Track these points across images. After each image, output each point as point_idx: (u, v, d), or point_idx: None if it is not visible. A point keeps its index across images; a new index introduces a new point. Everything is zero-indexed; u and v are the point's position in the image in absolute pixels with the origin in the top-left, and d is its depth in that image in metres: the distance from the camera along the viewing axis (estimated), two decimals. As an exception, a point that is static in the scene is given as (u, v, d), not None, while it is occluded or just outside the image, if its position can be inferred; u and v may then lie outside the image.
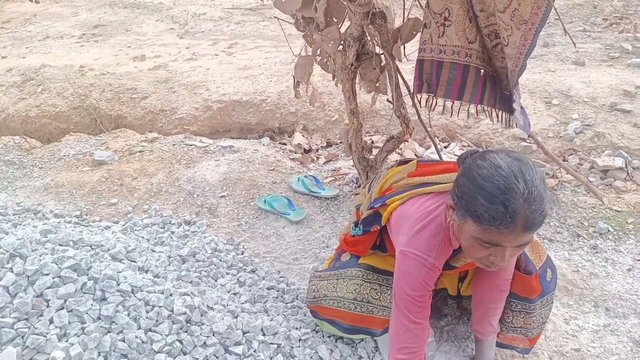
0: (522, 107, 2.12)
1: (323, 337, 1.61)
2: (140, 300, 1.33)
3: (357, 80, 2.28)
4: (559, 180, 2.61)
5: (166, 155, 2.94)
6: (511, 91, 1.88)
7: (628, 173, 2.62)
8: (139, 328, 1.29)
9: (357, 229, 1.50)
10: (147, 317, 1.31)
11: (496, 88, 1.94)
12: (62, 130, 3.82)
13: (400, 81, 2.25)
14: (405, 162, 1.63)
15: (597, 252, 2.08)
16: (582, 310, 1.80)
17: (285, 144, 3.43)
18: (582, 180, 2.51)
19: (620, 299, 1.83)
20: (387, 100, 2.32)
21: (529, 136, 2.67)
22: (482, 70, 1.87)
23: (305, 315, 1.73)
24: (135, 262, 1.54)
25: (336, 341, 1.60)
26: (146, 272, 1.52)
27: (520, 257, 1.43)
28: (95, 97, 3.99)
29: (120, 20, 6.30)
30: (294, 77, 2.37)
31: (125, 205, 2.47)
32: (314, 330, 1.64)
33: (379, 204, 1.41)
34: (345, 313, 1.47)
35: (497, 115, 1.99)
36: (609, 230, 2.19)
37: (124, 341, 1.24)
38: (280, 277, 2.00)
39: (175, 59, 4.75)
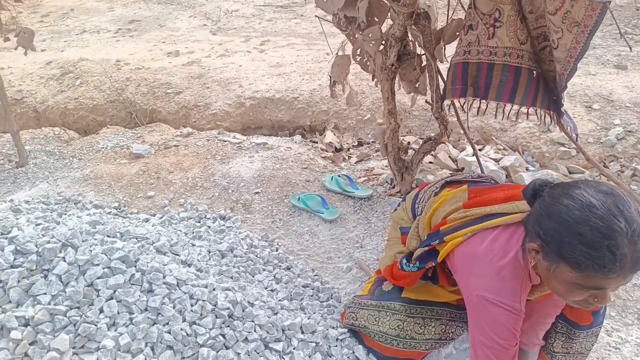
0: (566, 111, 2.08)
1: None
2: (185, 293, 1.36)
3: (396, 81, 2.27)
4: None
5: (201, 150, 2.98)
6: (559, 95, 1.85)
7: (672, 182, 2.53)
8: (184, 321, 1.31)
9: (412, 265, 1.41)
10: (191, 311, 1.33)
11: (549, 89, 1.90)
12: (99, 122, 3.92)
13: (441, 83, 2.23)
14: (449, 182, 1.58)
15: (640, 263, 2.02)
16: (624, 322, 1.76)
17: (317, 142, 3.44)
18: (625, 188, 2.44)
19: (666, 312, 1.77)
20: (426, 102, 2.30)
21: (569, 140, 2.61)
22: (535, 72, 1.83)
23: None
24: (178, 255, 1.57)
25: (373, 342, 1.60)
26: (189, 265, 1.55)
27: None
28: (131, 91, 4.07)
29: (154, 16, 6.40)
30: (330, 76, 2.37)
31: (162, 199, 2.52)
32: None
33: (437, 241, 1.30)
34: (387, 348, 1.45)
35: (551, 117, 1.95)
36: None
37: (169, 333, 1.27)
38: (315, 275, 2.01)
39: (209, 55, 4.80)
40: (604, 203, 0.92)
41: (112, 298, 1.29)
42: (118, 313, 1.27)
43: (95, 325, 1.22)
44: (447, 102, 2.22)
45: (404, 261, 1.44)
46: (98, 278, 1.31)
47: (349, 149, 3.41)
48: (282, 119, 3.77)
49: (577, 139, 2.33)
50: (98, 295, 1.28)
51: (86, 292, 1.27)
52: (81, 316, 1.23)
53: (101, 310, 1.27)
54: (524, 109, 2.15)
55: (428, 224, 1.44)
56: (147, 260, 1.40)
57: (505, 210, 1.18)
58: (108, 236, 1.50)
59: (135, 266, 1.37)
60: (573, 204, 0.95)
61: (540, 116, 2.11)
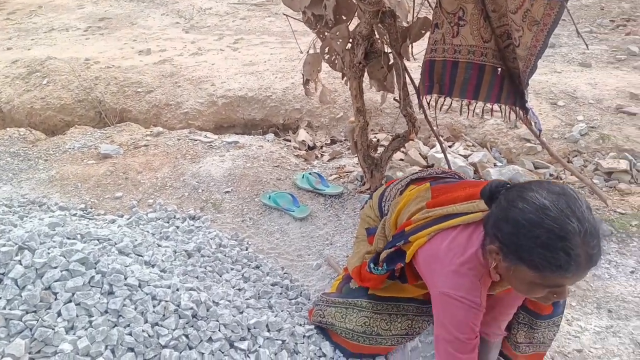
0: (531, 108, 2.13)
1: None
2: (147, 294, 1.34)
3: (365, 79, 2.28)
4: (563, 182, 2.61)
5: (171, 149, 2.95)
6: (522, 91, 1.89)
7: (632, 175, 2.62)
8: (146, 322, 1.30)
9: (380, 268, 1.42)
10: (154, 312, 1.32)
11: (514, 86, 1.94)
12: (66, 122, 3.83)
13: (408, 80, 2.25)
14: (415, 180, 1.60)
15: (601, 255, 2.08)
16: (584, 312, 1.81)
17: (290, 141, 3.43)
18: (587, 182, 2.52)
19: (623, 301, 1.83)
20: (394, 99, 2.32)
21: (534, 137, 2.67)
22: (499, 69, 1.86)
23: (309, 312, 1.74)
24: (142, 256, 1.55)
25: (340, 338, 1.61)
26: (153, 266, 1.53)
27: None
28: (100, 90, 4.00)
29: (125, 14, 6.29)
30: (303, 75, 2.37)
31: (130, 199, 2.48)
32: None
33: (402, 242, 1.32)
34: (353, 344, 1.47)
35: (516, 114, 1.98)
36: (612, 233, 2.19)
37: (131, 335, 1.25)
38: (284, 273, 2.01)
39: (181, 54, 4.74)
40: (557, 204, 0.95)
41: (70, 301, 1.27)
42: (77, 316, 1.25)
43: (53, 329, 1.19)
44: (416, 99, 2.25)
45: (372, 265, 1.45)
46: (56, 281, 1.28)
47: (322, 147, 3.42)
48: (255, 117, 3.75)
49: (540, 134, 2.39)
50: (56, 299, 1.26)
51: (43, 295, 1.24)
52: (38, 320, 1.20)
53: (59, 314, 1.24)
54: (489, 106, 2.20)
55: (394, 225, 1.45)
56: (107, 262, 1.38)
57: (466, 210, 1.21)
58: (68, 238, 1.47)
59: (95, 268, 1.35)
60: (528, 207, 0.97)
61: (505, 112, 2.15)
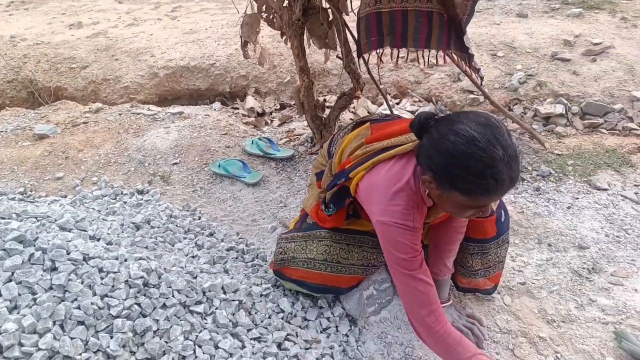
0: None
1: (284, 291, 1.64)
2: (93, 267, 1.30)
3: (306, 37, 2.25)
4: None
5: (112, 125, 2.82)
6: (464, 39, 1.91)
7: (568, 119, 2.75)
8: (95, 295, 1.26)
9: (329, 209, 1.46)
10: (102, 284, 1.28)
11: (457, 33, 1.96)
12: (-4, 105, 3.58)
13: (349, 36, 2.24)
14: (360, 123, 1.62)
15: (540, 194, 2.20)
16: (527, 248, 1.92)
17: (238, 109, 3.37)
18: (526, 128, 2.63)
19: (561, 234, 1.95)
20: (337, 57, 2.30)
21: (477, 88, 2.74)
22: (445, 15, 1.88)
23: (266, 272, 1.75)
24: (85, 231, 1.50)
25: (297, 294, 1.63)
26: (98, 240, 1.48)
27: None
28: (30, 69, 3.75)
29: (51, -14, 5.85)
30: (241, 37, 2.30)
31: (73, 179, 2.37)
32: (275, 285, 1.67)
33: (343, 179, 1.37)
34: (315, 274, 1.49)
35: (464, 61, 2.01)
36: (550, 173, 2.32)
37: (79, 308, 1.22)
38: (240, 238, 2.01)
39: (116, 25, 4.50)
40: (484, 135, 1.02)
41: (10, 280, 1.21)
42: (19, 295, 1.20)
43: (-6, 310, 1.14)
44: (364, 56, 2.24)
45: (323, 207, 1.50)
46: (-8, 262, 1.22)
47: (271, 113, 3.38)
48: (200, 87, 3.64)
49: (482, 82, 2.46)
50: (-6, 280, 1.20)
51: (-21, 277, 1.18)
52: (-24, 303, 1.14)
53: (-1, 295, 1.19)
54: (433, 60, 2.22)
55: (338, 164, 1.49)
56: (47, 238, 1.32)
57: (400, 142, 1.27)
58: (2, 218, 1.39)
59: (35, 245, 1.29)
60: (459, 140, 1.04)
61: (454, 59, 2.17)
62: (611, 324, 1.56)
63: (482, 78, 2.30)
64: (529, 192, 2.22)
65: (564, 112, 2.75)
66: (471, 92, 2.99)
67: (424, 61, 2.21)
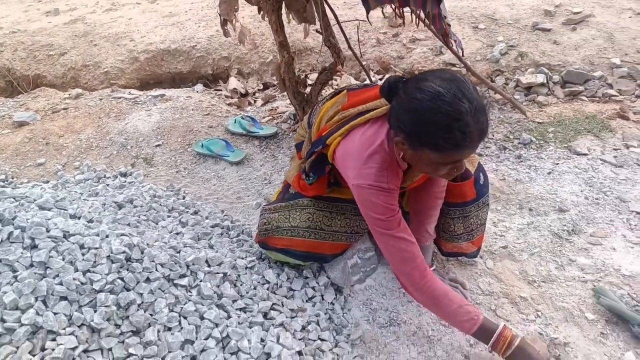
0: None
1: (269, 263, 1.65)
2: (74, 244, 1.30)
3: (285, 13, 2.22)
4: (487, 101, 2.72)
5: (93, 110, 2.79)
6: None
7: (549, 88, 2.77)
8: (77, 271, 1.26)
9: (310, 178, 1.47)
10: (83, 260, 1.29)
11: None
12: (-26, 95, 3.52)
13: (328, 9, 2.22)
14: (339, 92, 1.62)
15: (521, 161, 2.22)
16: (508, 213, 1.95)
17: (221, 90, 3.34)
18: (508, 98, 2.64)
19: (542, 199, 1.98)
20: (316, 31, 2.29)
21: (459, 60, 2.74)
22: None
23: (251, 247, 1.76)
24: (65, 210, 1.49)
25: (282, 265, 1.65)
26: (78, 218, 1.48)
27: None
28: (7, 58, 3.67)
29: (25, -27, 5.71)
30: (220, 15, 2.27)
31: (54, 164, 2.35)
32: (261, 258, 1.68)
33: (320, 147, 1.38)
34: (299, 241, 1.50)
35: (436, 20, 1.96)
36: (531, 141, 2.34)
37: (61, 284, 1.22)
38: (225, 216, 2.01)
39: (93, 11, 4.42)
40: (449, 90, 1.03)
41: (-10, 259, 1.21)
42: (0, 273, 1.20)
43: (-26, 288, 1.14)
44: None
45: (304, 176, 1.50)
46: (-29, 241, 1.21)
47: (254, 93, 3.36)
48: (181, 70, 3.60)
49: (463, 54, 2.45)
50: (-26, 259, 1.20)
51: (-42, 257, 1.18)
52: (-44, 282, 1.14)
53: (-21, 273, 1.18)
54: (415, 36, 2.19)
55: (316, 132, 1.49)
56: (26, 216, 1.32)
57: (375, 106, 1.28)
58: (-21, 199, 1.38)
59: (13, 224, 1.29)
60: (425, 97, 1.05)
61: (430, 19, 2.14)
62: (590, 282, 1.60)
63: (462, 50, 2.29)
64: (511, 160, 2.24)
65: (545, 81, 2.77)
66: (454, 65, 2.99)
67: (420, 21, 2.16)
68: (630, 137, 2.28)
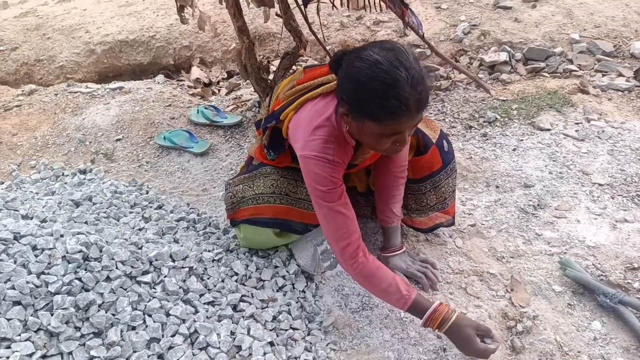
0: (413, 11, 2.15)
1: (238, 255, 1.62)
2: (25, 245, 1.23)
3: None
4: (452, 81, 2.72)
5: (48, 106, 2.67)
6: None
7: (512, 66, 2.79)
8: (30, 273, 1.20)
9: (270, 154, 1.47)
10: (37, 261, 1.22)
11: None
12: None
13: (286, -8, 2.16)
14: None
15: (487, 139, 2.23)
16: (476, 192, 1.96)
17: (184, 81, 3.25)
18: (472, 77, 2.64)
19: (508, 175, 2.00)
20: (276, 14, 2.23)
21: (422, 40, 2.72)
22: None
23: (218, 239, 1.72)
24: (17, 210, 1.41)
25: (251, 256, 1.61)
26: (31, 218, 1.40)
27: (418, 136, 1.51)
28: (-48, 55, 3.47)
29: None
30: (176, 0, 2.19)
31: (8, 164, 2.24)
32: (228, 250, 1.64)
33: (273, 122, 1.38)
34: (265, 208, 1.48)
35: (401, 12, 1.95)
36: (496, 118, 2.35)
37: (14, 289, 1.16)
38: (190, 209, 1.96)
39: (45, 3, 4.21)
40: (387, 58, 1.02)
41: None
42: (-57, 281, 1.13)
43: None
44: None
45: (265, 151, 1.49)
46: None
47: (218, 82, 3.28)
48: (141, 61, 3.47)
49: (423, 35, 2.44)
50: None
51: None
52: None
53: None
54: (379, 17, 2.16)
55: (272, 108, 1.48)
56: (-29, 220, 1.24)
57: (326, 81, 1.28)
58: None
59: (-43, 228, 1.21)
60: (363, 65, 1.04)
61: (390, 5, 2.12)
62: (556, 255, 1.63)
63: (422, 32, 2.28)
64: (477, 139, 2.25)
65: (508, 59, 2.79)
66: (418, 47, 2.98)
67: (370, 8, 2.14)
68: (591, 110, 2.33)
